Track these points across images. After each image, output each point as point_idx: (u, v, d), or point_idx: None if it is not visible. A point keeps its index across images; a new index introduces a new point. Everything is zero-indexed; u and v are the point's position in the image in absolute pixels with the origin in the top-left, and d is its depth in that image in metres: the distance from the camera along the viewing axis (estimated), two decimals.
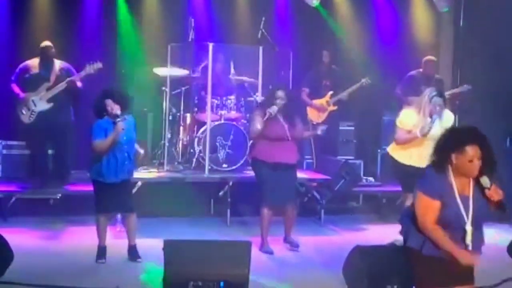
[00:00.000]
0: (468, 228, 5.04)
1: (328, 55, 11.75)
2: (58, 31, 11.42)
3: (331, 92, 11.69)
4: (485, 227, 5.34)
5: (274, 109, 8.65)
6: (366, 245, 6.84)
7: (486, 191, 5.04)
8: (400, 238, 5.58)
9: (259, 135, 8.79)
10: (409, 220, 5.27)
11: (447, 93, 11.18)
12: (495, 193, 5.05)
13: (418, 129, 8.30)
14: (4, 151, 11.03)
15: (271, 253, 8.78)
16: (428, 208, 5.08)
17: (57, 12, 11.71)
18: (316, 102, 11.77)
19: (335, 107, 11.74)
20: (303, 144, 11.13)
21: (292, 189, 9.02)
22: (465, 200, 5.07)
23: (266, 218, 8.86)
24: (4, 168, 11.00)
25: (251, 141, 10.83)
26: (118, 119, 7.87)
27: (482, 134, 5.11)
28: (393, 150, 8.65)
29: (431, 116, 8.29)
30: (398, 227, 5.50)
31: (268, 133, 8.74)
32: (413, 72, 11.51)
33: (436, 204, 5.06)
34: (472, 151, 5.02)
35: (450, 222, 5.08)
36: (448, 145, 5.12)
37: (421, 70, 11.44)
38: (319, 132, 9.42)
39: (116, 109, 7.93)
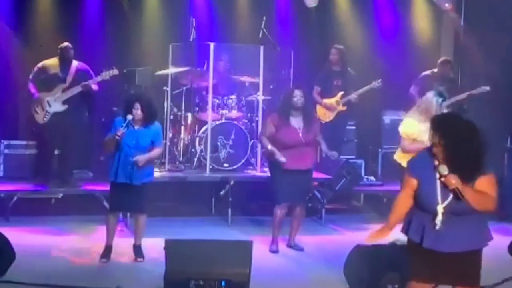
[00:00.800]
0: (439, 209, 5.10)
1: (336, 52, 11.64)
2: (59, 31, 11.43)
3: (341, 93, 11.63)
4: None
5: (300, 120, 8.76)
6: (367, 244, 6.85)
7: (442, 179, 5.10)
8: (400, 237, 5.60)
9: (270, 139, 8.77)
10: (410, 213, 5.35)
11: (463, 94, 11.13)
12: (448, 182, 5.08)
13: (425, 136, 8.16)
14: (6, 151, 11.05)
15: (276, 252, 8.82)
16: (405, 183, 5.35)
17: (59, 12, 11.71)
18: (326, 101, 11.69)
19: (344, 108, 11.69)
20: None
21: (305, 190, 9.04)
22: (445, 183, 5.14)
23: (279, 217, 8.87)
24: (6, 167, 11.02)
25: (252, 141, 10.87)
26: (123, 125, 7.92)
27: (451, 126, 5.20)
28: (400, 157, 8.52)
29: None
30: (398, 227, 5.52)
31: (281, 140, 8.71)
32: (427, 72, 11.48)
33: (412, 181, 5.26)
34: (433, 136, 5.19)
35: (424, 203, 5.21)
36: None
37: (435, 70, 11.45)
38: (331, 157, 9.41)
39: (138, 115, 8.01)
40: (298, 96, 8.72)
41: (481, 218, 5.25)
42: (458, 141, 5.11)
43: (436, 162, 5.12)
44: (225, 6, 12.37)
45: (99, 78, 10.21)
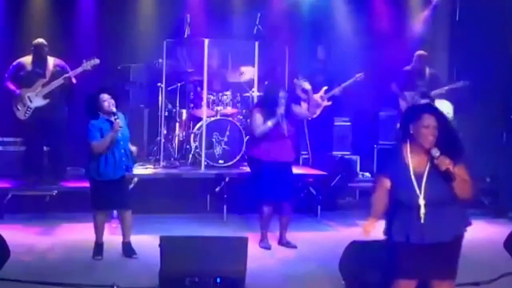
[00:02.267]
0: (421, 202, 5.14)
1: (323, 51, 11.74)
2: (53, 28, 11.40)
3: (325, 88, 11.68)
4: (482, 222, 5.35)
5: (282, 109, 8.64)
6: (362, 240, 6.82)
7: (435, 161, 5.16)
8: None
9: (264, 134, 8.74)
10: (389, 214, 5.37)
11: (442, 89, 11.23)
12: (442, 163, 5.13)
13: None
14: None
15: (268, 248, 8.78)
16: (378, 183, 5.42)
17: (52, 9, 11.68)
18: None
19: (329, 103, 11.74)
20: (299, 141, 11.11)
21: (289, 186, 8.98)
22: (419, 177, 5.19)
23: (266, 215, 8.86)
24: None
25: (247, 137, 10.83)
26: (115, 117, 7.85)
27: (440, 111, 5.36)
28: None
29: None
30: None
31: (268, 132, 8.73)
32: (407, 68, 11.68)
33: (385, 181, 5.33)
34: (428, 118, 5.20)
35: (404, 200, 5.24)
36: (407, 116, 5.37)
37: (414, 64, 11.57)
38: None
39: (112, 104, 7.91)
40: (282, 99, 8.70)
41: (459, 205, 5.30)
42: (448, 125, 5.29)
43: (427, 146, 5.17)
44: (219, 2, 12.34)
45: (80, 69, 10.17)
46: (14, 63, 10.45)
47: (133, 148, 8.18)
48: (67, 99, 10.51)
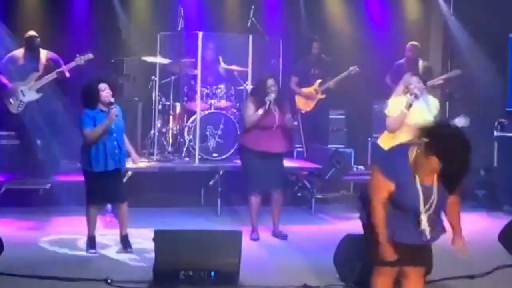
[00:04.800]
0: (423, 216, 5.02)
1: (318, 46, 11.74)
2: (46, 21, 11.36)
3: (319, 81, 11.70)
4: (476, 215, 5.35)
5: (272, 97, 8.64)
6: (357, 233, 6.81)
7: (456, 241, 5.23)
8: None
9: (255, 124, 8.74)
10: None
11: (438, 78, 11.22)
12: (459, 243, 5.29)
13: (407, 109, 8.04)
14: None
15: (256, 239, 8.81)
16: (381, 186, 5.05)
17: (45, 2, 11.64)
18: (305, 90, 11.78)
19: (324, 95, 11.75)
20: (294, 133, 11.09)
21: (278, 175, 8.95)
22: (426, 188, 5.00)
23: (254, 205, 8.88)
24: None
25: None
26: (112, 106, 7.83)
27: (457, 149, 4.81)
28: (382, 140, 8.34)
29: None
30: None
31: (258, 122, 8.73)
32: (401, 61, 11.72)
33: (390, 184, 5.01)
34: (434, 162, 4.82)
35: (406, 205, 5.05)
36: (429, 142, 4.86)
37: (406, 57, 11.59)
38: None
39: (110, 95, 7.89)
40: (272, 86, 8.71)
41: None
42: (453, 159, 4.80)
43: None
44: None
45: (73, 64, 10.15)
46: (7, 56, 10.42)
47: (134, 156, 8.22)
48: (60, 93, 10.47)
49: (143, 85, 11.59)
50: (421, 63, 11.67)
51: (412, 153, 4.97)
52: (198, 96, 10.83)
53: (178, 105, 11.26)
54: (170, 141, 11.22)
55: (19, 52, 10.42)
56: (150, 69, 11.20)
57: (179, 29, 11.03)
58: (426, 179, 4.99)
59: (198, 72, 10.80)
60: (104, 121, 7.83)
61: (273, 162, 8.82)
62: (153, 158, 10.85)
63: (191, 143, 10.84)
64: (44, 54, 10.39)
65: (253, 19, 11.05)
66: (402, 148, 5.12)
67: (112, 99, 7.89)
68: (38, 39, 10.40)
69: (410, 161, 4.98)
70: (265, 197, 8.96)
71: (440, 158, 4.77)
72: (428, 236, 5.09)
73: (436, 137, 4.83)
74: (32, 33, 10.43)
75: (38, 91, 10.29)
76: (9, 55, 10.44)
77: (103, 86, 7.91)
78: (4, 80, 10.33)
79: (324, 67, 11.80)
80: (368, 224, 5.27)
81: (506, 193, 10.77)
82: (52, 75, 10.23)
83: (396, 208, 5.09)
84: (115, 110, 7.84)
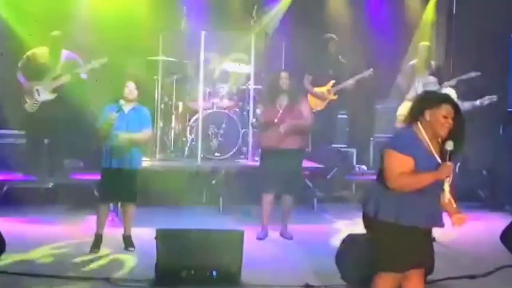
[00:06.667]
0: (447, 185, 5.07)
1: (335, 46, 11.66)
2: (49, 19, 11.34)
3: (333, 81, 11.63)
4: (478, 215, 5.35)
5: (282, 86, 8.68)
6: (358, 233, 6.82)
7: (456, 215, 5.16)
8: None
9: (261, 121, 8.78)
10: (378, 195, 5.22)
11: (455, 79, 11.12)
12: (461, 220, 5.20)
13: None
14: None
15: (261, 238, 8.79)
16: (402, 164, 5.06)
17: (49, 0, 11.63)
18: (317, 90, 11.71)
19: (335, 97, 11.69)
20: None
21: (291, 178, 8.79)
22: (441, 158, 5.11)
23: (265, 204, 8.84)
24: None
25: (243, 130, 10.83)
26: (117, 110, 7.84)
27: (456, 102, 5.26)
28: None
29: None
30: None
31: (262, 119, 8.81)
32: (412, 61, 11.59)
33: (410, 160, 5.06)
34: (447, 108, 5.12)
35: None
36: (425, 102, 5.23)
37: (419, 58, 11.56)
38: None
39: (130, 93, 7.94)
40: (283, 79, 8.70)
41: None
42: (461, 117, 5.20)
43: (443, 135, 5.09)
44: None
45: (88, 67, 10.15)
46: (28, 53, 10.43)
47: (123, 135, 8.04)
48: (77, 94, 10.47)
49: (146, 85, 11.56)
50: (433, 63, 11.64)
51: (419, 129, 5.13)
52: (200, 95, 10.83)
53: (180, 104, 11.27)
54: (173, 140, 11.23)
55: (41, 50, 10.41)
56: (152, 69, 11.19)
57: (182, 28, 11.03)
58: (437, 150, 5.12)
59: (201, 71, 10.80)
60: (103, 124, 7.93)
61: (286, 162, 8.68)
62: (155, 157, 10.86)
63: (194, 143, 10.85)
64: (65, 54, 10.38)
65: (255, 18, 11.05)
66: (407, 129, 5.21)
67: (122, 101, 7.87)
68: (63, 41, 10.39)
69: (419, 133, 5.12)
70: (278, 196, 8.94)
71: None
72: (454, 205, 5.14)
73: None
74: (57, 32, 10.41)
75: (53, 91, 10.28)
76: (30, 52, 10.44)
77: (130, 84, 7.98)
78: (22, 79, 10.33)
79: (340, 68, 11.73)
80: (371, 225, 5.27)
81: (508, 193, 10.77)
82: (67, 77, 10.21)
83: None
84: (114, 114, 7.82)
